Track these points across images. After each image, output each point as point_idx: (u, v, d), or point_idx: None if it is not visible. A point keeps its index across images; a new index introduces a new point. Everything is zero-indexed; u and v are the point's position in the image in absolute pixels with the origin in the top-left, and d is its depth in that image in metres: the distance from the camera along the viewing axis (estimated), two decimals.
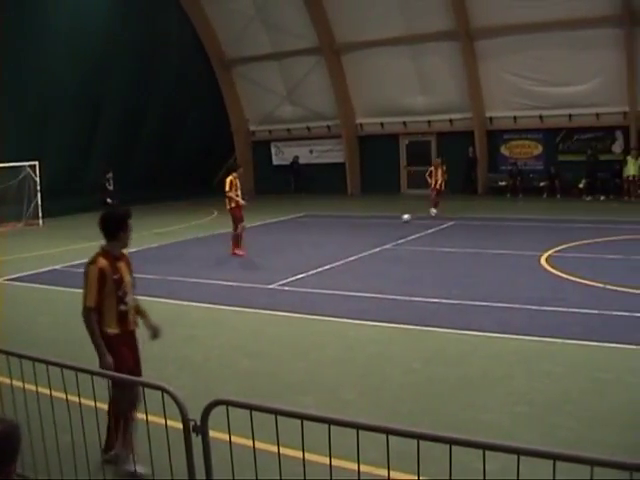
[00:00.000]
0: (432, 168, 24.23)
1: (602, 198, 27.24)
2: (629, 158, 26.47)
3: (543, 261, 14.72)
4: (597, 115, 27.71)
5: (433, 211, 23.64)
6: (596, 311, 10.51)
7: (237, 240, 17.24)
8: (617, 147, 27.97)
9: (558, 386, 7.52)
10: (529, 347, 8.98)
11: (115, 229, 5.88)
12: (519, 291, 12.21)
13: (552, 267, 14.02)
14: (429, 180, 24.05)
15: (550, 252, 15.68)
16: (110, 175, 21.67)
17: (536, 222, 21.60)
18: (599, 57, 26.60)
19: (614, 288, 11.93)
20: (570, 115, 28.20)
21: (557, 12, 26.12)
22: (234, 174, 17.31)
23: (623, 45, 26.03)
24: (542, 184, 29.23)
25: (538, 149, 29.98)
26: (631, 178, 26.27)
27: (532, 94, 28.57)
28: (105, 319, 5.73)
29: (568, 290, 12.12)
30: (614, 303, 10.95)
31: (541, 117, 28.96)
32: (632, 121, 26.94)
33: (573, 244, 16.70)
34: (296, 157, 35.15)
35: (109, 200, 21.31)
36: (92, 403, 4.72)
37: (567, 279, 12.93)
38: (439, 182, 23.79)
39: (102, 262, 5.76)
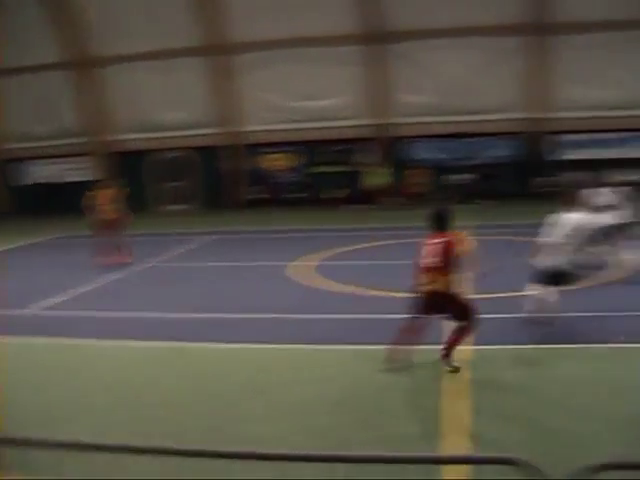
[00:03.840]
0: None
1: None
2: (373, 169, 27.97)
3: (292, 270, 15.18)
4: (349, 128, 29.03)
5: None
6: (349, 315, 11.02)
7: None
8: (366, 158, 29.34)
9: (310, 390, 7.78)
10: (269, 355, 9.33)
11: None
12: (271, 300, 12.56)
13: (303, 276, 14.49)
14: None
15: (305, 261, 16.19)
16: None
17: (294, 232, 22.21)
18: (347, 72, 28.05)
19: (365, 292, 12.58)
20: (322, 128, 29.27)
21: (301, 29, 27.18)
22: None
23: (366, 62, 27.77)
24: (299, 195, 30.05)
25: (294, 162, 30.82)
26: (375, 187, 27.75)
27: (285, 108, 29.39)
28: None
29: (319, 297, 12.63)
30: (364, 306, 11.57)
31: (295, 130, 29.74)
32: (381, 133, 28.67)
33: (329, 253, 17.36)
34: (46, 176, 33.06)
35: None
36: None
37: (318, 287, 13.44)
38: None
39: None
